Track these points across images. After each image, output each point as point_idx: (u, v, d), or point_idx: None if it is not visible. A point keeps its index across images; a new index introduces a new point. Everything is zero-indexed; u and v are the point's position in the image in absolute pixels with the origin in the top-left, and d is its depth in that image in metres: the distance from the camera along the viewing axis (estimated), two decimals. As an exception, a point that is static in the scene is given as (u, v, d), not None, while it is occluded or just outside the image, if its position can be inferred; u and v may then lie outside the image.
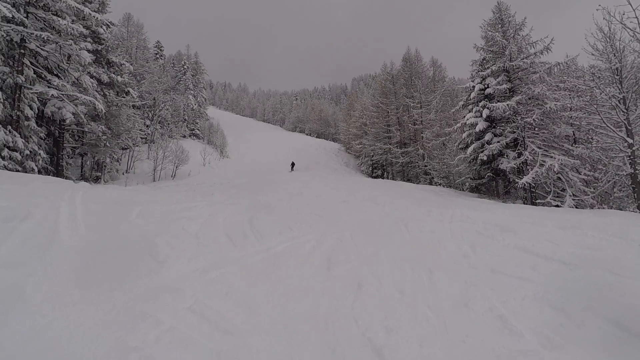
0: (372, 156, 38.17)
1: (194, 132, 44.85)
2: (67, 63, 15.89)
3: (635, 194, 11.37)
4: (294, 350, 2.77)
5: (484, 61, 18.97)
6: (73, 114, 15.55)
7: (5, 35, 12.75)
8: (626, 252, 4.93)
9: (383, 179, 34.10)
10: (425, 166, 30.07)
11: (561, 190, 14.21)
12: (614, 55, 11.66)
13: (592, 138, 13.99)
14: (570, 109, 14.63)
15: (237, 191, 13.84)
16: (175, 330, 2.84)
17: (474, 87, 18.74)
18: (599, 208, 12.92)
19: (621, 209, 12.44)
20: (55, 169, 16.77)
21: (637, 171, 11.22)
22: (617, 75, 11.71)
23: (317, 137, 73.67)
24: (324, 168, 36.41)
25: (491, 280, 4.16)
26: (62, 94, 14.85)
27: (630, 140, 11.24)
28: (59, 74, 15.93)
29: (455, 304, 3.61)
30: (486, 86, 17.87)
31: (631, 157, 11.26)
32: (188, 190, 14.78)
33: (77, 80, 16.36)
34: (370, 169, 39.57)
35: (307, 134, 76.93)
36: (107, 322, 2.84)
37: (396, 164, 34.61)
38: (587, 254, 4.93)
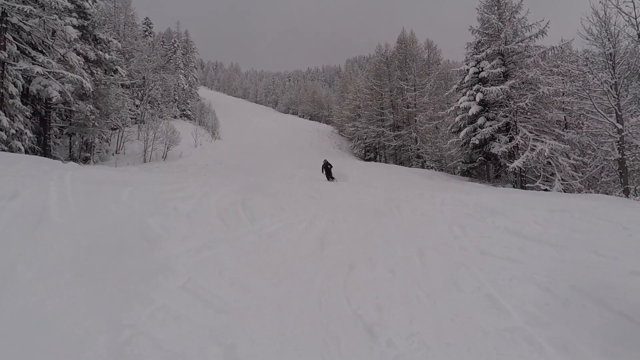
0: (365, 139, 38.11)
1: (184, 112, 44.09)
2: (51, 39, 15.30)
3: (621, 179, 11.59)
4: (287, 327, 2.81)
5: (479, 44, 18.81)
6: (60, 92, 15.09)
7: (-15, 8, 12.22)
8: (611, 234, 5.06)
9: (376, 162, 34.18)
10: (418, 149, 30.17)
11: (550, 175, 14.41)
12: (608, 40, 11.66)
13: (582, 123, 14.13)
14: (563, 93, 14.70)
15: (230, 172, 13.77)
16: (169, 308, 2.86)
17: (468, 70, 18.64)
18: (586, 192, 13.17)
19: (608, 194, 12.70)
20: (43, 149, 16.41)
21: (624, 156, 11.41)
22: (610, 60, 11.74)
23: (310, 119, 73.03)
24: (316, 150, 36.28)
25: (480, 261, 4.25)
26: (48, 71, 14.37)
27: (620, 126, 11.38)
28: (44, 51, 15.37)
29: (445, 283, 3.69)
30: (480, 69, 17.79)
31: (620, 142, 11.42)
32: (180, 171, 14.65)
33: (63, 57, 15.82)
34: (363, 152, 39.58)
35: (300, 116, 76.17)
36: (100, 300, 2.84)
37: (389, 147, 34.64)
38: (574, 236, 5.04)
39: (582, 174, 13.97)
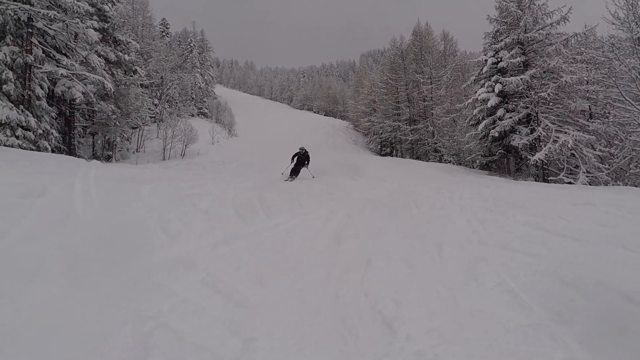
0: (381, 134, 37.73)
1: (202, 110, 44.76)
2: (74, 42, 15.80)
3: (651, 170, 11.11)
4: (305, 320, 2.83)
5: (497, 33, 18.29)
6: (83, 93, 15.60)
7: (12, 14, 12.67)
8: (640, 228, 4.86)
9: (392, 156, 33.83)
10: (435, 143, 29.68)
11: (574, 167, 13.94)
12: (636, 24, 11.13)
13: (609, 112, 13.58)
14: (587, 82, 14.15)
15: (246, 169, 13.91)
16: (189, 301, 2.92)
17: (486, 60, 18.17)
18: (613, 185, 12.68)
19: (637, 186, 12.19)
20: (68, 148, 17.00)
21: (655, 147, 10.92)
22: (639, 45, 11.22)
23: (325, 114, 72.86)
24: (332, 146, 36.21)
25: (501, 256, 4.15)
26: (71, 73, 14.87)
27: (650, 115, 10.89)
28: (67, 53, 15.88)
29: (465, 278, 3.62)
30: (499, 60, 17.31)
31: (650, 132, 10.94)
32: (198, 168, 14.90)
33: (85, 59, 16.32)
34: (379, 147, 39.24)
35: (315, 112, 76.13)
36: (123, 292, 2.93)
37: (405, 141, 34.21)
38: (600, 230, 4.86)
39: (609, 165, 13.45)
